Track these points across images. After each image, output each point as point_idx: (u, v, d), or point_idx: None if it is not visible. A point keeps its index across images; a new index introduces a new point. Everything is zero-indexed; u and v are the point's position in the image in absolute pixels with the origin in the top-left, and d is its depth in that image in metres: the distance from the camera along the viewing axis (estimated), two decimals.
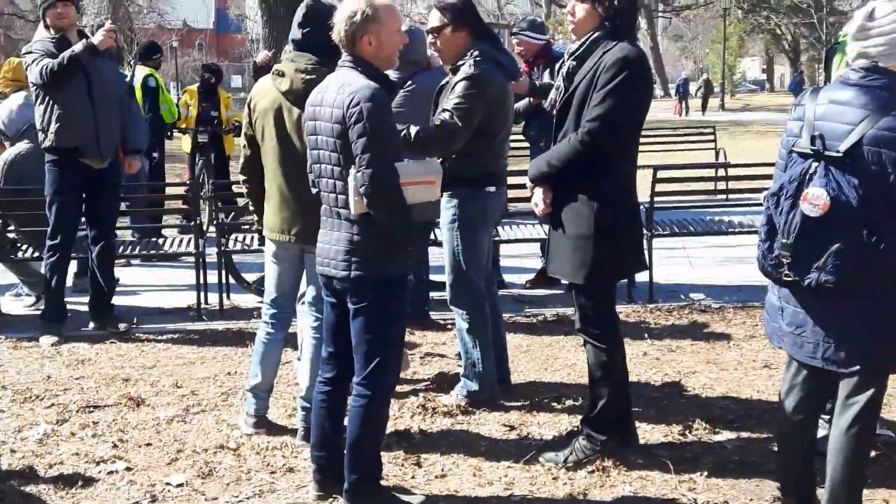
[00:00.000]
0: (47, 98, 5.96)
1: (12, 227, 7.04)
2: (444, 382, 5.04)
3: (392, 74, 5.53)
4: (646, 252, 4.55)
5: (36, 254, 6.71)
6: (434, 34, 4.59)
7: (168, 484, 3.91)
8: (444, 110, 4.38)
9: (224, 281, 6.86)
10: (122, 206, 7.07)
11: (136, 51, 9.39)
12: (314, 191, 3.67)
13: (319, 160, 3.54)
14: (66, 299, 6.30)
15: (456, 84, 4.42)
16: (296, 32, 4.09)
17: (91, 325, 6.29)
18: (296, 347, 4.72)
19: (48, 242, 6.11)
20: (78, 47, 5.82)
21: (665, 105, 38.69)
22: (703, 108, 38.63)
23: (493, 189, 4.69)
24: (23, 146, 6.94)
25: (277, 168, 4.13)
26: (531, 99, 6.73)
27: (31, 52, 6.00)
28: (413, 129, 4.32)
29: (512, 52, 5.70)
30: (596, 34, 3.86)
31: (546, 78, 6.82)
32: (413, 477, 3.94)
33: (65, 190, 6.04)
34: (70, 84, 5.89)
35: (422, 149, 4.30)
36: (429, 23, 4.64)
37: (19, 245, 6.95)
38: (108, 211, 6.32)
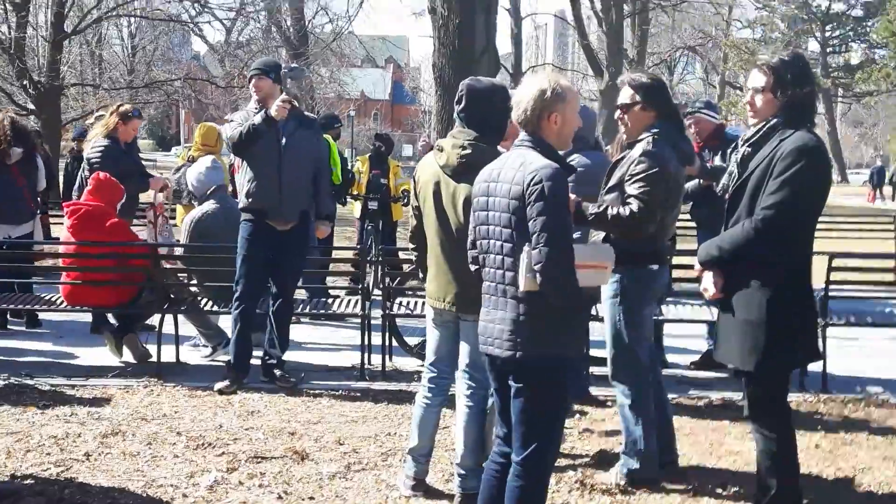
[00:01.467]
0: (243, 162, 6.39)
1: (195, 281, 7.45)
2: (603, 460, 4.97)
3: None
4: (820, 341, 4.39)
5: (214, 307, 7.09)
6: (622, 110, 4.63)
7: None
8: (631, 196, 4.35)
9: (388, 343, 7.01)
10: None
11: (319, 120, 9.85)
12: (473, 268, 3.74)
13: (488, 236, 3.59)
14: None
15: (636, 162, 4.41)
16: (457, 109, 4.24)
17: (262, 378, 6.55)
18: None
19: (235, 293, 6.46)
20: (257, 119, 6.20)
21: (842, 191, 37.22)
22: (894, 196, 36.90)
23: (656, 267, 4.65)
24: (208, 206, 7.38)
25: (435, 238, 4.25)
26: (701, 181, 6.65)
27: (231, 121, 6.45)
28: (614, 210, 4.33)
29: (686, 131, 5.67)
30: (773, 121, 3.83)
31: (717, 160, 6.73)
32: None
33: (251, 246, 6.39)
34: (262, 151, 6.27)
35: (611, 228, 4.33)
36: (620, 97, 4.68)
37: (199, 298, 7.34)
38: (290, 271, 6.60)
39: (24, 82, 19.17)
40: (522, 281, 3.38)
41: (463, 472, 4.22)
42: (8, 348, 7.49)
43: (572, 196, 3.93)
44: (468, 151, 4.06)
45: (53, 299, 7.38)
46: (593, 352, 6.36)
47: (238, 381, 6.39)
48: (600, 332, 6.48)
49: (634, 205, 4.32)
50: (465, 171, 4.00)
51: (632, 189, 4.36)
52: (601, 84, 26.95)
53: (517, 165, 3.49)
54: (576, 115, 3.64)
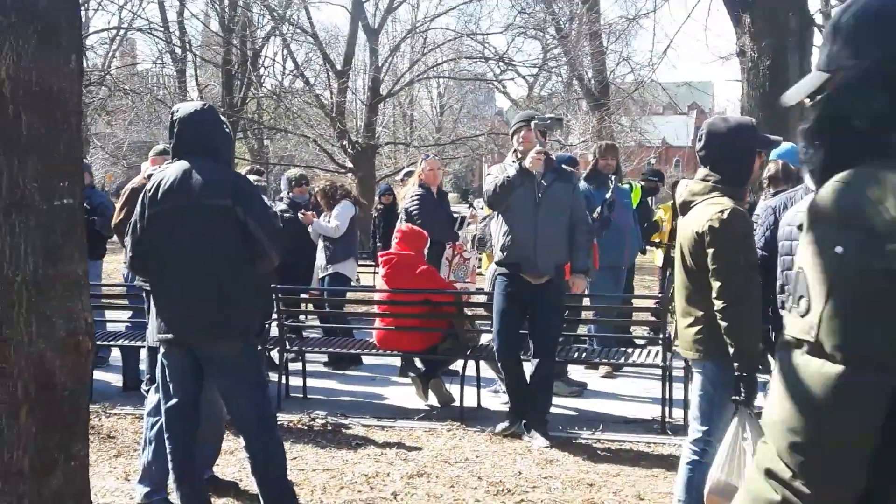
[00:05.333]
0: (499, 216, 6.41)
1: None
2: None
3: None
4: None
5: None
6: None
7: None
8: None
9: (689, 396, 6.75)
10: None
11: (642, 175, 9.88)
12: (782, 312, 3.54)
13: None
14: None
15: None
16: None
17: (559, 426, 6.53)
18: None
19: (494, 347, 6.51)
20: (511, 171, 6.18)
21: None
22: None
23: None
24: None
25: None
26: None
27: (490, 174, 6.50)
28: None
29: None
30: None
31: None
32: None
33: (506, 300, 6.35)
34: (518, 203, 6.23)
35: None
36: None
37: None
38: (546, 326, 6.41)
39: (344, 143, 20.78)
40: None
41: None
42: (327, 388, 8.05)
43: None
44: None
45: (367, 343, 7.83)
46: None
47: (516, 425, 6.39)
48: None
49: None
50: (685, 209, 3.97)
51: None
52: None
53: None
54: None
